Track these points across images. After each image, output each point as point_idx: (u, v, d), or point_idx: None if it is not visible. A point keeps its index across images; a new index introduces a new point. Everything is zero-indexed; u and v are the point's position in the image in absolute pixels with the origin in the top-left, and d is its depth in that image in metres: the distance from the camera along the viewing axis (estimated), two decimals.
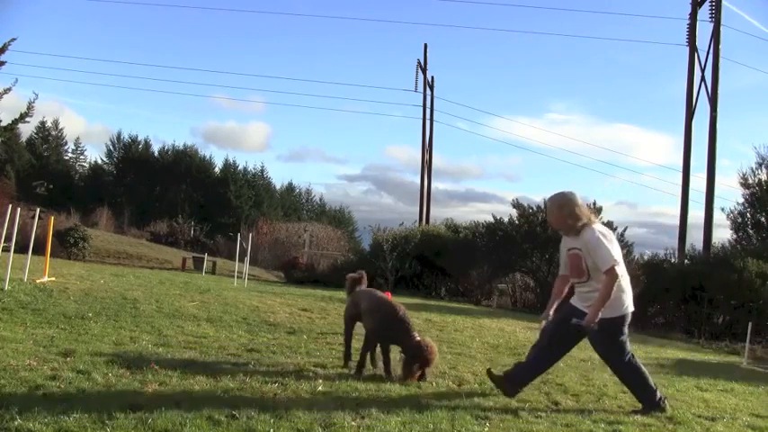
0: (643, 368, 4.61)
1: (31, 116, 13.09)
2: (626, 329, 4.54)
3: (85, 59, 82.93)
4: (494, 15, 67.52)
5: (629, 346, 4.60)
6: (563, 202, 4.53)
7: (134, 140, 50.86)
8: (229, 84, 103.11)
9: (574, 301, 4.65)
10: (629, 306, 4.50)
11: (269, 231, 27.81)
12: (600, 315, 4.29)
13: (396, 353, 5.05)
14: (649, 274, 14.93)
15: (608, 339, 4.50)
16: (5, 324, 5.63)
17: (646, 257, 16.94)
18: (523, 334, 9.11)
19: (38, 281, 8.62)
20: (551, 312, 4.64)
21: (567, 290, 4.76)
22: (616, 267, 4.29)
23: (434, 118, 26.62)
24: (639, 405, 4.57)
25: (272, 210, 48.85)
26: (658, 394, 4.58)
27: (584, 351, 7.84)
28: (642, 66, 77.63)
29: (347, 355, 5.29)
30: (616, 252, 4.39)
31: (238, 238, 16.40)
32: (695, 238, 17.41)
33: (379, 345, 5.11)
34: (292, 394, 4.12)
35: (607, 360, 4.69)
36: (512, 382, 4.64)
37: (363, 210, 64.48)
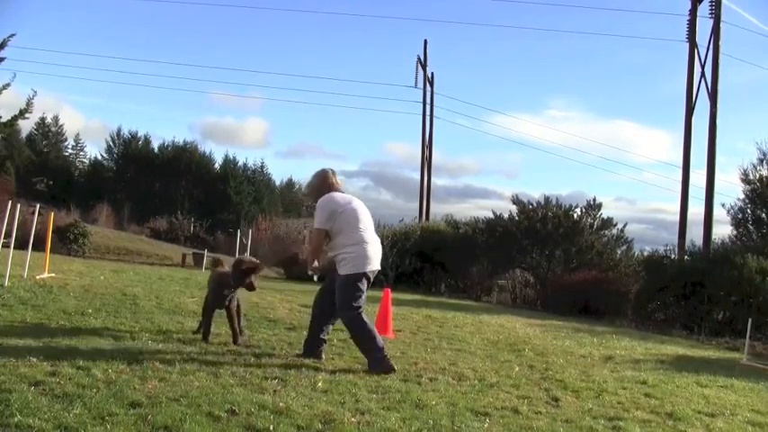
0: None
1: (31, 112, 13.12)
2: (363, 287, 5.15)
3: (84, 55, 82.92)
4: (494, 12, 67.51)
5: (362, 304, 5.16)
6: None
7: (134, 137, 50.75)
8: (227, 80, 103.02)
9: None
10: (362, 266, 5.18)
11: (269, 227, 27.79)
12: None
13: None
14: (649, 271, 14.89)
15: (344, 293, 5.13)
16: (5, 320, 5.63)
17: (646, 254, 16.98)
18: (523, 330, 9.11)
19: (38, 277, 8.61)
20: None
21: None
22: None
23: (434, 114, 26.59)
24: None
25: (272, 206, 48.83)
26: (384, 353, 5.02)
27: (583, 347, 7.86)
28: (642, 62, 77.35)
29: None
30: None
31: (238, 234, 16.45)
32: (695, 235, 17.41)
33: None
34: (292, 390, 4.12)
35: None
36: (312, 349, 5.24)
37: None
